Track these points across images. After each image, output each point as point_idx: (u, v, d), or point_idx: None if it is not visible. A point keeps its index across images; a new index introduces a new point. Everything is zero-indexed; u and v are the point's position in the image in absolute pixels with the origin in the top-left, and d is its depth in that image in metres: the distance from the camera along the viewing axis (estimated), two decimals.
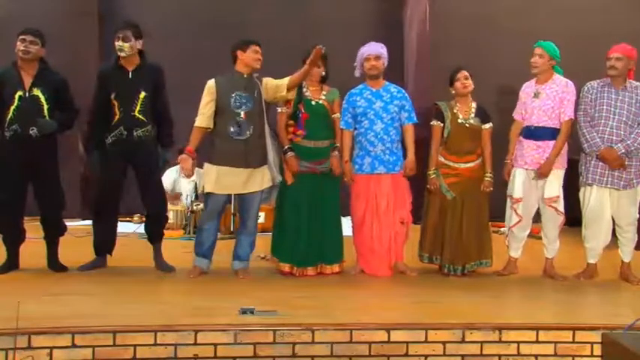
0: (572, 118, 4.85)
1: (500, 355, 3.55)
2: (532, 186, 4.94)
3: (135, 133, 4.77)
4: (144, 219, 5.25)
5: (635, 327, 3.49)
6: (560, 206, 4.90)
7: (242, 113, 4.63)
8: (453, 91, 4.97)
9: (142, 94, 4.76)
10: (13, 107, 4.65)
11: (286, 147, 4.85)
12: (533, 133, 4.89)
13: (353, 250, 5.11)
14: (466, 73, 4.93)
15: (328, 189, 4.94)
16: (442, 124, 4.96)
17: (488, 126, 5.00)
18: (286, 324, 3.52)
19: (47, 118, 4.70)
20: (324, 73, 4.95)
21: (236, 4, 8.48)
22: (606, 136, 4.77)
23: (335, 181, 4.99)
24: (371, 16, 8.75)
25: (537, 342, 3.56)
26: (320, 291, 4.47)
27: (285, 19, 8.44)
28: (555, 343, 3.57)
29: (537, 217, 5.07)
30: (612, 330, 3.53)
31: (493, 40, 8.39)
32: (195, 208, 6.85)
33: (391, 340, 3.50)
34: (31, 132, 4.64)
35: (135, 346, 3.37)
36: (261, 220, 5.90)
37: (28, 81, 4.69)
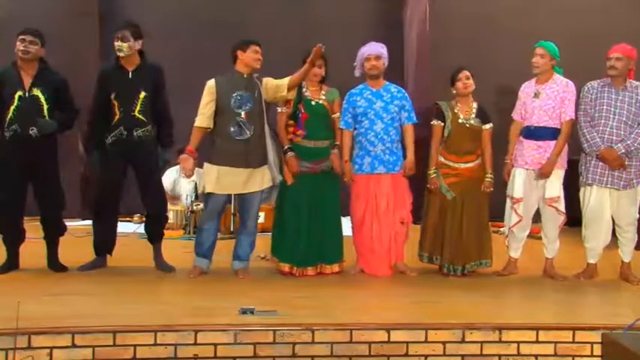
0: (573, 118, 4.85)
1: (500, 355, 3.55)
2: (532, 186, 4.94)
3: (135, 133, 4.77)
4: (144, 219, 5.25)
5: (635, 327, 3.49)
6: (561, 206, 4.90)
7: (243, 113, 4.63)
8: (454, 91, 4.97)
9: (142, 94, 4.76)
10: (12, 107, 4.65)
11: (286, 147, 4.85)
12: (534, 133, 4.89)
13: (353, 250, 5.11)
14: (467, 73, 4.93)
15: (328, 189, 4.95)
16: (442, 124, 4.96)
17: (488, 126, 5.00)
18: (286, 324, 3.52)
19: (47, 118, 4.70)
20: (324, 73, 4.95)
21: (236, 4, 8.49)
22: (606, 136, 4.77)
23: (335, 181, 4.99)
24: (371, 16, 8.76)
25: (537, 342, 3.56)
26: (320, 291, 4.47)
27: (285, 19, 8.45)
28: (555, 343, 3.56)
29: (537, 217, 5.07)
30: (612, 330, 3.53)
31: (493, 40, 8.40)
32: (195, 208, 6.86)
33: (391, 340, 3.50)
34: (30, 132, 4.64)
35: (135, 346, 3.37)
36: (261, 220, 5.90)
37: (27, 81, 4.69)
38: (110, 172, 4.86)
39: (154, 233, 5.04)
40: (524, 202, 4.93)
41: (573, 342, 3.56)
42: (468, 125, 4.94)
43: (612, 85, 4.82)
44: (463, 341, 3.53)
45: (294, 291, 4.42)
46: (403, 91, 5.13)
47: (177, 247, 5.92)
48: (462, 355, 3.54)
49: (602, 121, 4.80)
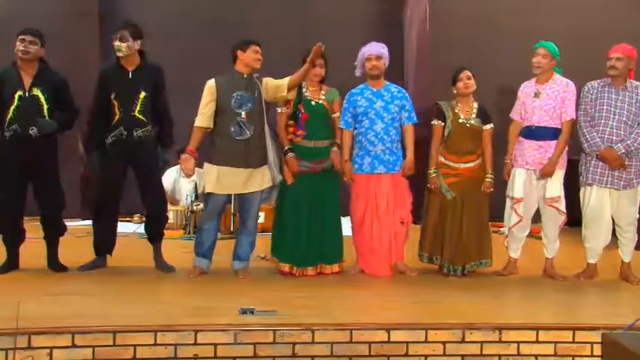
0: (574, 117, 4.85)
1: (500, 355, 3.55)
2: (532, 186, 4.94)
3: (135, 133, 4.77)
4: (144, 219, 5.25)
5: (635, 327, 3.49)
6: (562, 206, 4.90)
7: (243, 113, 4.63)
8: (455, 91, 4.97)
9: (142, 94, 4.76)
10: (12, 107, 4.64)
11: (286, 148, 4.85)
12: (534, 133, 4.88)
13: (353, 250, 5.11)
14: (469, 73, 4.93)
15: (328, 189, 4.95)
16: (443, 124, 4.96)
17: (489, 127, 5.00)
18: (286, 324, 3.52)
19: (47, 118, 4.70)
20: (324, 73, 4.95)
21: (236, 4, 8.49)
22: (606, 136, 4.77)
23: (335, 181, 4.99)
24: (371, 16, 8.76)
25: (537, 342, 3.56)
26: (320, 291, 4.47)
27: (285, 19, 8.45)
28: (555, 343, 3.56)
29: (537, 217, 5.07)
30: (612, 330, 3.53)
31: (493, 40, 8.40)
32: (195, 208, 6.86)
33: (391, 340, 3.50)
34: (30, 132, 4.64)
35: (135, 346, 3.37)
36: (261, 220, 5.90)
37: (27, 81, 4.69)
38: (110, 172, 4.86)
39: (154, 233, 5.04)
40: (524, 202, 4.93)
41: (573, 342, 3.56)
42: (468, 125, 4.94)
43: (612, 85, 4.82)
44: (463, 341, 3.53)
45: (294, 291, 4.42)
46: (404, 91, 5.13)
47: (177, 247, 5.92)
48: (462, 355, 3.54)
49: (602, 121, 4.80)
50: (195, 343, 3.41)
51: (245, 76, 4.70)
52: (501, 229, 5.38)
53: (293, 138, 4.88)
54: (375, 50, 4.98)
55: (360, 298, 4.41)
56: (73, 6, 8.24)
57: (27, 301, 3.50)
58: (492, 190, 4.98)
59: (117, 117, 4.77)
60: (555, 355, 3.56)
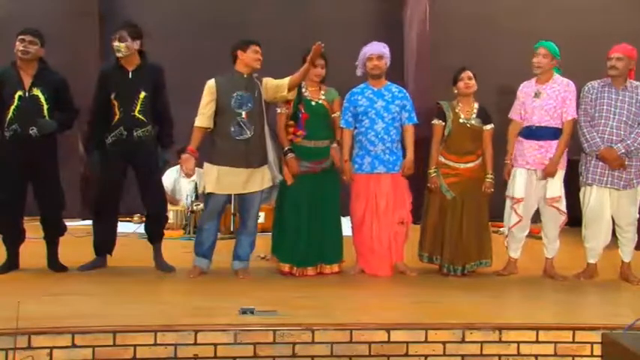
0: (575, 117, 4.86)
1: (500, 355, 3.54)
2: (533, 186, 4.93)
3: (135, 133, 4.77)
4: (144, 219, 5.25)
5: (635, 327, 3.49)
6: (563, 206, 4.91)
7: (243, 113, 4.63)
8: (456, 91, 4.98)
9: (142, 94, 4.76)
10: (12, 107, 4.64)
11: (286, 148, 4.85)
12: (535, 133, 4.88)
13: (353, 250, 5.10)
14: (470, 74, 4.93)
15: (328, 189, 4.95)
16: (443, 124, 4.96)
17: (489, 127, 5.00)
18: (286, 324, 3.52)
19: (47, 118, 4.70)
20: (324, 73, 4.94)
21: (236, 4, 8.49)
22: (606, 136, 4.77)
23: (335, 181, 4.99)
24: (371, 16, 8.76)
25: (537, 342, 3.56)
26: (320, 291, 4.47)
27: (285, 19, 8.45)
28: (555, 343, 3.56)
29: (537, 217, 5.07)
30: (612, 330, 3.53)
31: (493, 40, 8.40)
32: (195, 208, 6.86)
33: (391, 340, 3.50)
34: (30, 132, 4.64)
35: (135, 346, 3.37)
36: (261, 220, 5.90)
37: (27, 81, 4.69)
38: (110, 172, 4.86)
39: (154, 233, 5.04)
40: (524, 202, 4.93)
41: (573, 342, 3.56)
42: (468, 125, 4.94)
43: (612, 85, 4.82)
44: (463, 341, 3.53)
45: (294, 291, 4.42)
46: (404, 91, 5.13)
47: (177, 247, 5.92)
48: (462, 355, 3.54)
49: (603, 121, 4.80)
50: (195, 343, 3.41)
51: (245, 76, 4.70)
52: (501, 229, 5.39)
53: (293, 138, 4.88)
54: (377, 50, 4.98)
55: (360, 298, 4.41)
56: (73, 6, 8.24)
57: (27, 301, 3.50)
58: (493, 190, 4.98)
59: (117, 117, 4.76)
60: (555, 355, 3.56)
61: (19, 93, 4.65)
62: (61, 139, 4.93)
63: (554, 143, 4.84)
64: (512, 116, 5.07)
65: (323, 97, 4.96)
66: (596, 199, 4.85)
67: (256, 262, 5.24)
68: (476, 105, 5.00)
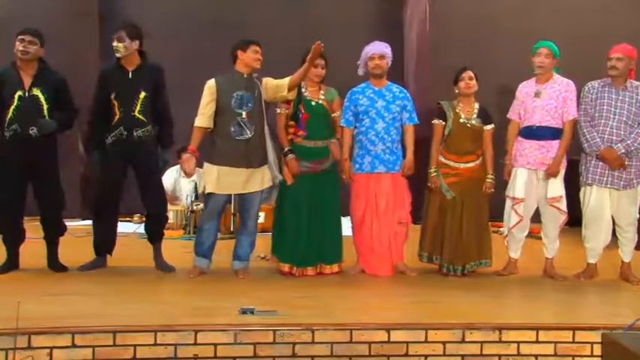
0: (576, 117, 4.86)
1: (500, 355, 3.54)
2: (533, 186, 4.94)
3: (135, 134, 4.76)
4: (144, 219, 5.25)
5: (635, 327, 3.49)
6: (563, 205, 4.91)
7: (244, 113, 4.63)
8: (457, 91, 4.98)
9: (142, 94, 4.76)
10: (12, 107, 4.64)
11: (286, 149, 4.85)
12: (535, 133, 4.88)
13: (353, 250, 5.10)
14: (471, 74, 4.93)
15: (328, 189, 4.95)
16: (444, 123, 4.96)
17: (490, 127, 5.00)
18: (286, 324, 3.52)
19: (47, 117, 4.70)
20: (324, 74, 4.94)
21: (236, 4, 8.49)
22: (606, 136, 4.77)
23: (335, 181, 4.99)
24: (371, 16, 8.76)
25: (537, 342, 3.56)
26: (320, 291, 4.47)
27: (285, 19, 8.44)
28: (555, 343, 3.56)
29: (537, 217, 5.07)
30: (612, 330, 3.53)
31: (493, 40, 8.40)
32: (195, 208, 6.85)
33: (391, 340, 3.50)
34: (30, 132, 4.64)
35: (135, 346, 3.37)
36: (261, 220, 5.90)
37: (27, 81, 4.69)
38: (110, 172, 4.86)
39: (154, 233, 5.03)
40: (524, 202, 4.93)
41: (573, 342, 3.56)
42: (469, 125, 4.95)
43: (613, 85, 4.82)
44: (463, 341, 3.53)
45: (294, 291, 4.42)
46: (405, 91, 5.14)
47: (177, 247, 5.91)
48: (462, 355, 3.54)
49: (603, 121, 4.80)
50: (195, 343, 3.41)
51: (245, 76, 4.70)
52: (501, 229, 5.39)
53: (293, 138, 4.88)
54: (379, 49, 4.98)
55: (360, 298, 4.41)
56: (73, 6, 8.24)
57: (27, 301, 3.50)
58: (493, 190, 4.98)
59: (117, 117, 4.76)
60: (555, 355, 3.56)
61: (19, 93, 4.65)
62: (61, 139, 4.93)
63: (555, 143, 4.85)
64: (511, 116, 5.07)
65: (322, 97, 4.96)
66: (596, 199, 4.85)
67: (256, 262, 5.24)
68: (476, 105, 5.01)
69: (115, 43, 4.69)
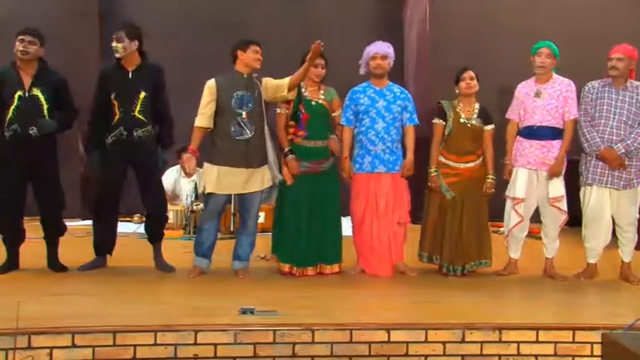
0: (577, 116, 4.86)
1: (500, 355, 3.54)
2: (533, 186, 4.94)
3: (135, 134, 4.76)
4: (144, 219, 5.25)
5: (635, 327, 3.49)
6: (564, 205, 4.91)
7: (244, 113, 4.63)
8: (457, 91, 4.98)
9: (142, 94, 4.76)
10: (12, 107, 4.64)
11: (286, 149, 4.85)
12: (536, 133, 4.88)
13: (353, 250, 5.10)
14: (472, 74, 4.93)
15: (328, 189, 4.95)
16: (444, 123, 4.96)
17: (490, 127, 5.00)
18: (286, 324, 3.52)
19: (47, 117, 4.70)
20: (324, 74, 4.94)
21: (236, 4, 8.49)
22: (606, 136, 4.77)
23: (335, 181, 4.99)
24: (371, 16, 8.76)
25: (537, 342, 3.56)
26: (320, 291, 4.47)
27: (285, 19, 8.45)
28: (555, 343, 3.56)
29: (536, 217, 5.07)
30: (612, 330, 3.53)
31: (493, 40, 8.40)
32: (195, 208, 6.86)
33: (391, 340, 3.50)
34: (30, 132, 4.64)
35: (135, 346, 3.37)
36: (261, 220, 5.90)
37: (27, 81, 4.69)
38: (110, 172, 4.86)
39: (154, 233, 5.03)
40: (525, 202, 4.93)
41: (573, 342, 3.56)
42: (469, 125, 4.95)
43: (613, 85, 4.82)
44: (463, 341, 3.53)
45: (294, 291, 4.42)
46: (406, 92, 5.13)
47: (177, 247, 5.91)
48: (462, 355, 3.54)
49: (603, 121, 4.80)
50: (195, 343, 3.41)
51: (245, 76, 4.70)
52: (501, 229, 5.39)
53: (293, 138, 4.88)
54: (381, 49, 4.98)
55: (360, 298, 4.41)
56: (73, 6, 8.24)
57: (27, 301, 3.50)
58: (494, 190, 4.98)
59: (117, 117, 4.76)
60: (555, 355, 3.56)
61: (19, 93, 4.65)
62: (61, 139, 4.93)
63: (555, 143, 4.85)
64: (510, 116, 5.07)
65: (322, 97, 4.96)
66: (596, 199, 4.85)
67: (256, 262, 5.24)
68: (477, 105, 5.01)
69: (114, 44, 4.70)
